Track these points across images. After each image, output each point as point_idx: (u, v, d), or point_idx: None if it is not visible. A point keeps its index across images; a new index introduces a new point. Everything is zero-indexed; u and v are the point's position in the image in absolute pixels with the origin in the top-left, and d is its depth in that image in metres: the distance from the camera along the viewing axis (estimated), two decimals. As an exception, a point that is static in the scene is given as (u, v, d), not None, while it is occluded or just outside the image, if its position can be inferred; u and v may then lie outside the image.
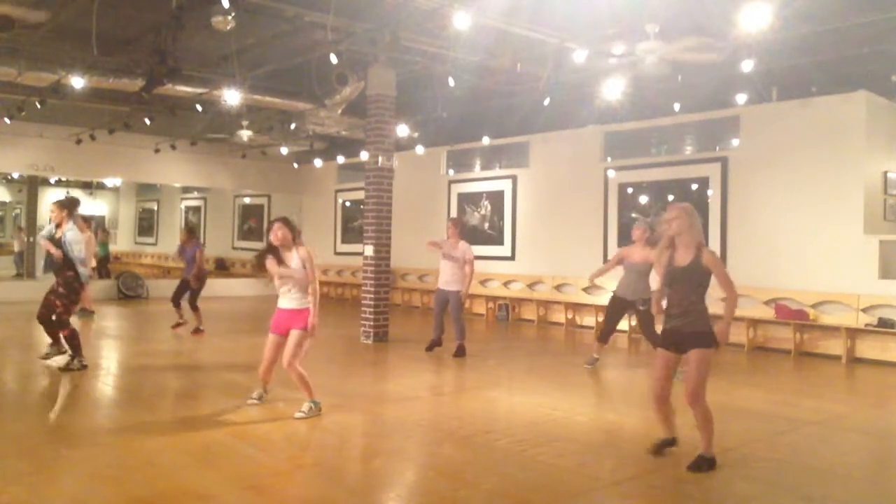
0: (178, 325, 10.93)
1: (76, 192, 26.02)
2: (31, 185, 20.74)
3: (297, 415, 5.91)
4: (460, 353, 9.29)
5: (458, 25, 7.87)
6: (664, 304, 4.95)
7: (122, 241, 28.00)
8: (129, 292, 16.57)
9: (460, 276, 9.27)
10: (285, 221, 5.99)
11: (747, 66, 9.05)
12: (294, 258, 5.94)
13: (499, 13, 8.24)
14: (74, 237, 7.59)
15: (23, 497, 4.05)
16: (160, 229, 26.58)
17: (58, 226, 7.66)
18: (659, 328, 5.43)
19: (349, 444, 5.51)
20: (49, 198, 24.64)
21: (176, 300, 10.88)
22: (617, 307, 8.64)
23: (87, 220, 13.25)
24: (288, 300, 5.96)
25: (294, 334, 5.89)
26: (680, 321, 4.79)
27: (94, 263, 13.04)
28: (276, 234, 5.91)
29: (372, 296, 10.57)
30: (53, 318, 7.61)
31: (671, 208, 4.95)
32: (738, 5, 7.36)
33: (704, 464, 4.74)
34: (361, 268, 11.05)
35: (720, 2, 7.70)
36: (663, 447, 5.07)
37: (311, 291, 5.93)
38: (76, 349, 7.67)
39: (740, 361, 9.76)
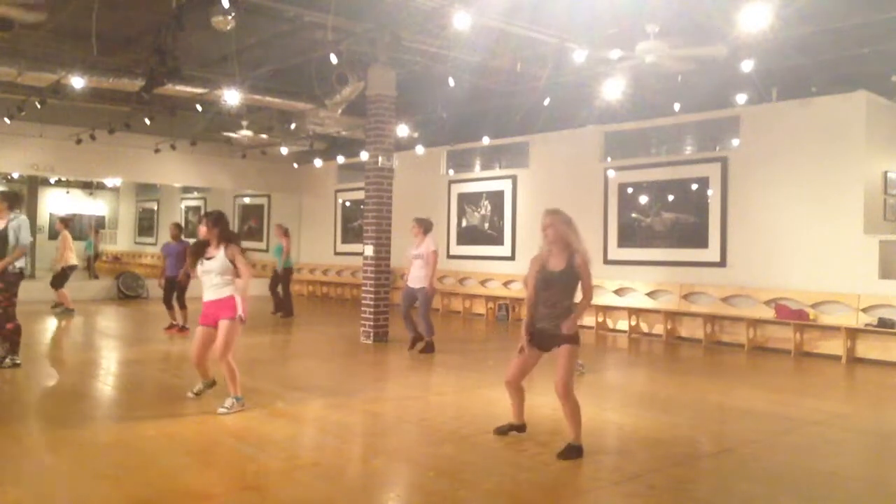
0: (181, 328, 10.80)
1: (76, 192, 26.19)
2: (31, 185, 20.79)
3: (220, 410, 5.81)
4: (429, 349, 9.39)
5: (458, 25, 7.88)
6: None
7: (123, 241, 28.02)
8: (129, 292, 16.55)
9: (427, 272, 9.40)
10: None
11: (747, 66, 9.05)
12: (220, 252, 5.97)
13: (499, 13, 8.25)
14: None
15: (23, 497, 4.05)
16: (160, 229, 26.56)
17: None
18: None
19: (349, 444, 5.51)
20: (49, 198, 24.83)
21: (180, 301, 10.83)
22: None
23: (65, 221, 13.37)
24: (212, 292, 5.92)
25: (223, 325, 5.82)
26: (548, 323, 5.03)
27: (75, 261, 13.08)
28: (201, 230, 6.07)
29: (372, 296, 10.57)
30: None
31: (545, 215, 5.14)
32: (738, 5, 7.36)
33: (574, 451, 4.92)
34: (361, 268, 11.05)
35: (720, 2, 7.70)
36: (510, 430, 5.42)
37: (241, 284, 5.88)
38: (15, 345, 7.56)
39: (740, 361, 9.76)
